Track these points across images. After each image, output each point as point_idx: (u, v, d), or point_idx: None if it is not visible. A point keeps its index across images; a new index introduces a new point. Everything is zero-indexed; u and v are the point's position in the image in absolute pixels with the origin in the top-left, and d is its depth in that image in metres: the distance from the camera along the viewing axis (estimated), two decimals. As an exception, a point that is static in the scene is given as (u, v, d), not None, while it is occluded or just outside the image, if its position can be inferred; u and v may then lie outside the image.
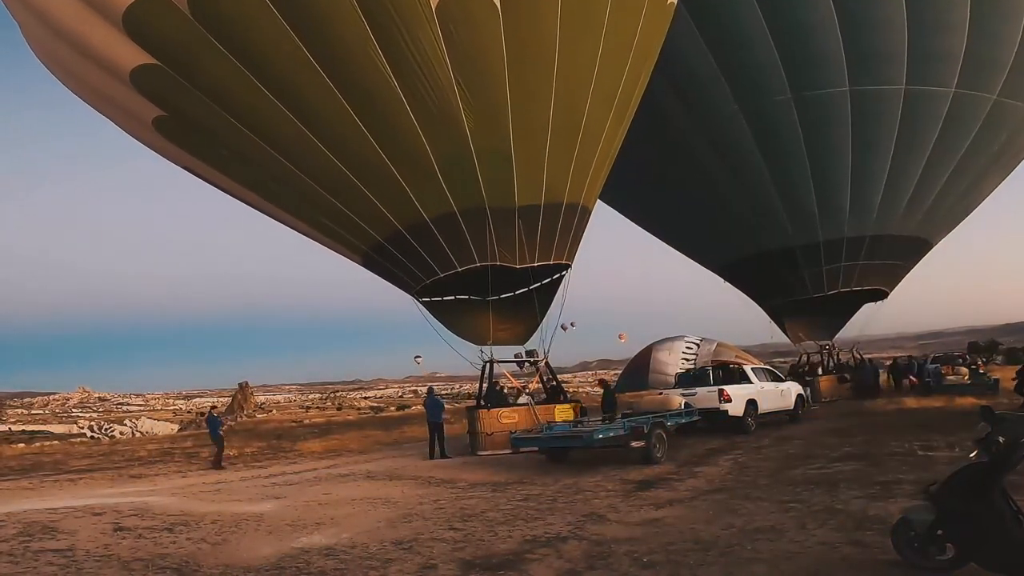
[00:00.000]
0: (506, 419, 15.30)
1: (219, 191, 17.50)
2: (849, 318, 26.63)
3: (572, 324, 17.12)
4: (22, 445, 33.50)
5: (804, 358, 27.33)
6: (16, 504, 10.63)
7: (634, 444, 12.03)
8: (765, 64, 20.51)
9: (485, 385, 16.52)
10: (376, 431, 25.64)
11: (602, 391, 18.03)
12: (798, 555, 5.75)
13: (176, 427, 54.23)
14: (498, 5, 13.11)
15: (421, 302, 17.01)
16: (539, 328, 17.11)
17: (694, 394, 16.00)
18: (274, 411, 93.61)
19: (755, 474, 10.22)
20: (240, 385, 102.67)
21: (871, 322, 26.70)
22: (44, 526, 8.48)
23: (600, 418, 14.85)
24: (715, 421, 15.69)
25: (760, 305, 27.27)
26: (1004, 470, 4.73)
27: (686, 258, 28.92)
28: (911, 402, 20.24)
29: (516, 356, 17.20)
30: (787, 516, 7.20)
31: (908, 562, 5.13)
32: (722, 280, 27.87)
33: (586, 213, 16.65)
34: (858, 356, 27.58)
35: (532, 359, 17.12)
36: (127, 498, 10.93)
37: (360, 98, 13.53)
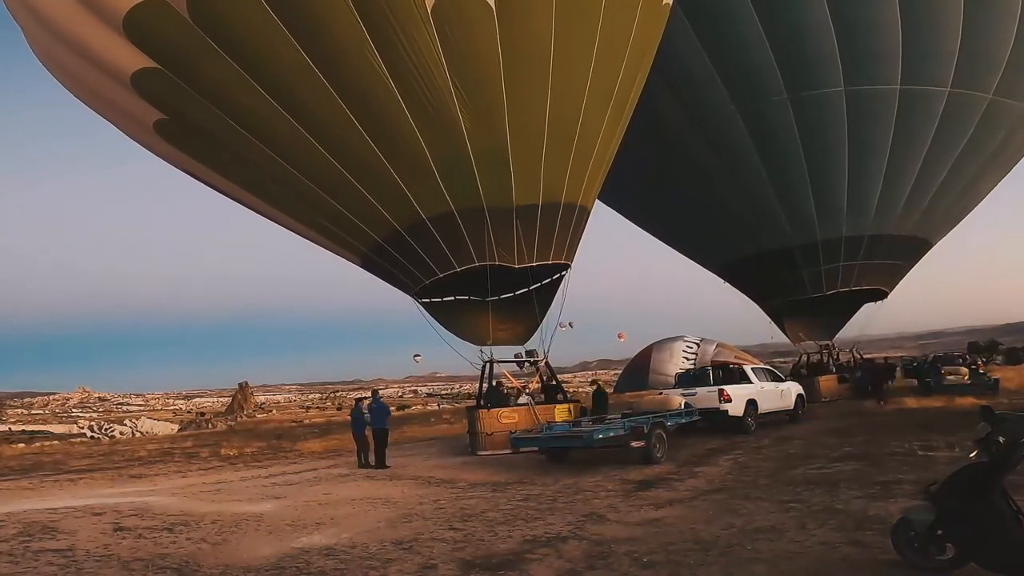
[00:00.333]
0: (506, 419, 15.30)
1: (219, 193, 17.55)
2: (849, 318, 26.65)
3: (570, 324, 17.07)
4: (22, 445, 33.51)
5: (804, 358, 27.33)
6: (16, 504, 10.63)
7: (634, 444, 12.02)
8: (761, 65, 20.55)
9: (485, 385, 16.52)
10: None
11: (592, 391, 17.95)
12: (798, 555, 5.75)
13: (176, 427, 54.21)
14: (492, 6, 13.16)
15: (421, 303, 17.02)
16: (539, 328, 17.14)
17: (694, 394, 15.99)
18: (274, 411, 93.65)
19: (755, 474, 10.21)
20: (240, 385, 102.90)
21: (871, 322, 26.74)
22: (44, 526, 8.48)
23: (590, 418, 14.79)
24: (715, 421, 15.68)
25: (760, 305, 27.29)
26: (1004, 470, 4.73)
27: (686, 258, 28.96)
28: (911, 402, 20.23)
29: (516, 356, 17.20)
30: (787, 516, 7.20)
31: (908, 562, 5.13)
32: (722, 280, 27.90)
33: (584, 213, 16.67)
34: (858, 356, 27.57)
35: (532, 359, 17.12)
36: (127, 498, 10.93)
37: (357, 99, 13.59)
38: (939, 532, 4.97)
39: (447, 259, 15.55)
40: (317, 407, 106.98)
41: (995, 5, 20.36)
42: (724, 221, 24.45)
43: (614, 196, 26.01)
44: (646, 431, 12.11)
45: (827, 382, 24.93)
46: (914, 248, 24.80)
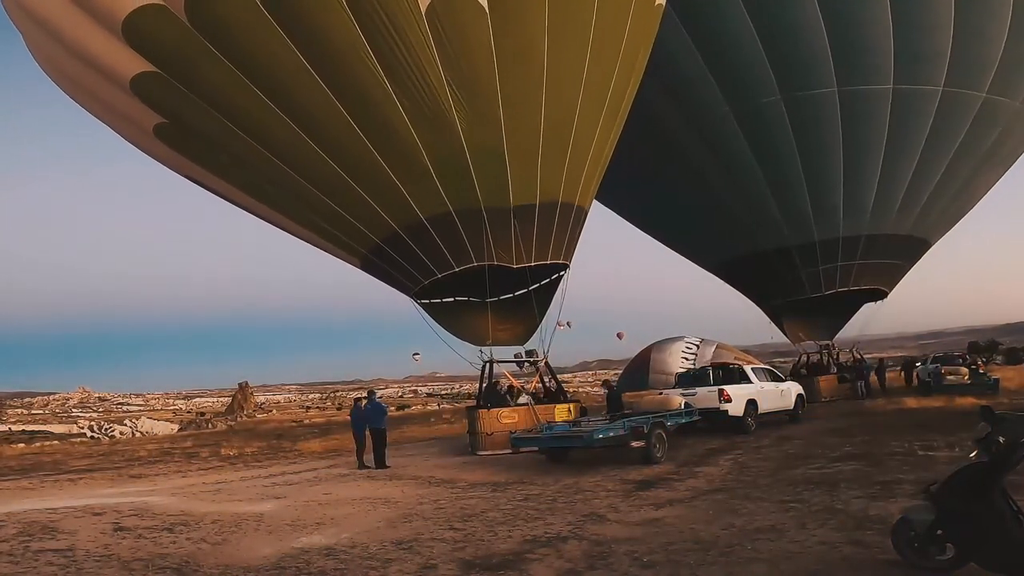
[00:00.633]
0: (506, 419, 15.31)
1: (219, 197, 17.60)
2: (849, 318, 26.64)
3: (568, 324, 17.08)
4: (22, 445, 33.51)
5: (804, 358, 27.33)
6: (16, 504, 10.63)
7: (634, 444, 12.02)
8: (754, 66, 20.58)
9: (485, 385, 16.53)
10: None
11: (606, 392, 18.04)
12: (798, 555, 5.76)
13: (176, 427, 54.20)
14: (485, 7, 13.23)
15: (420, 303, 17.03)
16: (538, 328, 17.15)
17: (694, 394, 15.99)
18: (274, 411, 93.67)
19: (755, 474, 10.21)
20: (240, 385, 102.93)
21: (871, 322, 26.74)
22: (44, 526, 8.48)
23: (605, 417, 14.87)
24: (715, 421, 15.68)
25: (759, 306, 27.29)
26: (1004, 470, 4.73)
27: (685, 258, 28.97)
28: (911, 402, 20.23)
29: (516, 356, 17.20)
30: (787, 516, 7.20)
31: (908, 562, 5.13)
32: (721, 280, 27.92)
33: (582, 213, 16.69)
34: (858, 356, 27.57)
35: (532, 359, 17.12)
36: (127, 498, 10.93)
37: (354, 101, 13.66)
38: (939, 532, 4.97)
39: (446, 259, 15.57)
40: (317, 407, 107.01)
41: (986, 4, 20.36)
42: (721, 221, 24.47)
43: (612, 196, 26.03)
44: (646, 431, 12.11)
45: (827, 382, 24.93)
46: (913, 248, 24.80)
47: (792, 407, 17.90)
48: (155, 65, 13.54)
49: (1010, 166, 25.03)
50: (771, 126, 21.51)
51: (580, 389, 77.35)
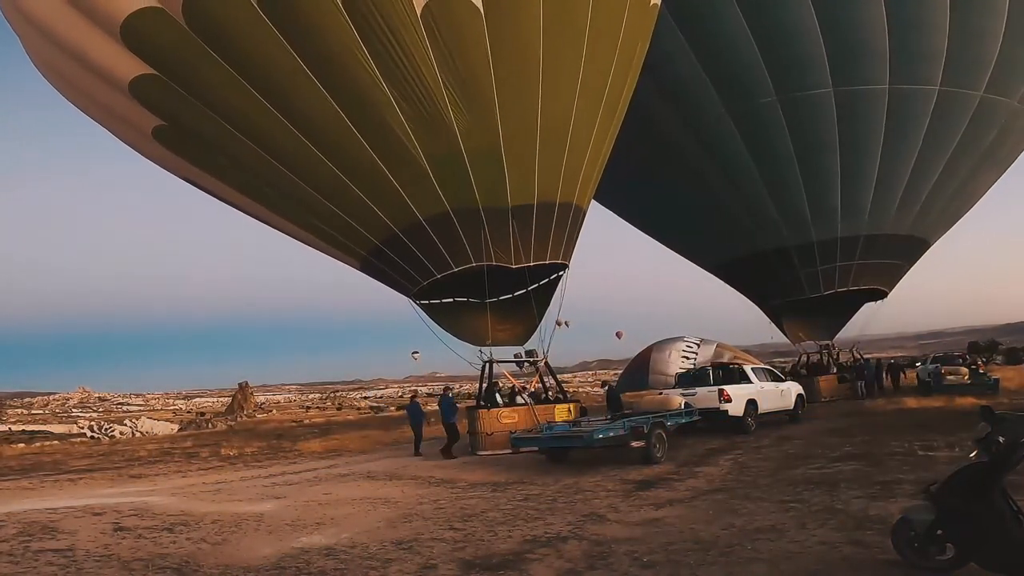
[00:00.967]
0: (506, 419, 15.31)
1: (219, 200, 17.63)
2: (849, 318, 26.65)
3: (566, 323, 17.10)
4: (22, 445, 33.49)
5: (804, 358, 27.32)
6: (16, 504, 10.63)
7: (634, 444, 12.02)
8: (750, 66, 20.60)
9: (485, 385, 16.53)
10: (376, 431, 25.63)
11: (606, 391, 18.07)
12: (798, 555, 5.76)
13: (176, 427, 54.18)
14: (480, 7, 13.28)
15: (419, 304, 17.03)
16: (538, 329, 17.17)
17: (694, 394, 15.99)
18: (274, 411, 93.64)
19: (755, 474, 10.21)
20: (240, 385, 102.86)
21: (871, 322, 26.74)
22: (44, 526, 8.48)
23: (606, 416, 14.89)
24: (715, 421, 15.68)
25: (759, 306, 27.30)
26: (1004, 470, 4.73)
27: (685, 258, 28.98)
28: (911, 402, 20.24)
29: (516, 356, 17.21)
30: (787, 516, 7.20)
31: (908, 562, 5.13)
32: (721, 280, 27.92)
33: (580, 213, 16.70)
34: (858, 356, 27.57)
35: (532, 359, 17.12)
36: (127, 498, 10.93)
37: (351, 102, 13.71)
38: (939, 532, 4.97)
39: (444, 260, 15.59)
40: (317, 407, 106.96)
41: (983, 2, 20.34)
42: (719, 222, 24.49)
43: (612, 196, 26.04)
44: (646, 431, 12.11)
45: (827, 382, 24.93)
46: (912, 248, 24.80)
47: (792, 407, 17.90)
48: (153, 67, 13.60)
49: (1009, 165, 25.04)
50: (768, 127, 21.52)
51: (580, 389, 77.31)
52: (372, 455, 16.79)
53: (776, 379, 18.42)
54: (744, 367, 17.72)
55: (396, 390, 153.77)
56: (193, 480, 13.43)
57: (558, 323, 17.05)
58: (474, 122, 14.34)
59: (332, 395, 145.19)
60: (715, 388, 15.98)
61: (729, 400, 15.60)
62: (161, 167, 17.04)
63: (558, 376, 18.09)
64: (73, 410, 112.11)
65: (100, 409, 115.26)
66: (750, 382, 16.76)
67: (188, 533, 7.92)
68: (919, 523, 5.07)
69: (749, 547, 6.08)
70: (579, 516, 7.91)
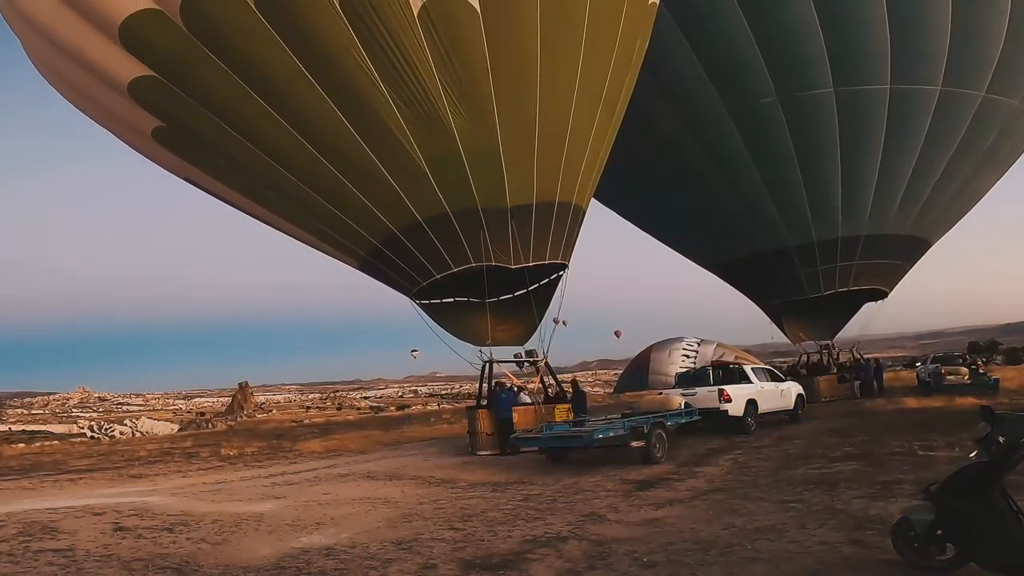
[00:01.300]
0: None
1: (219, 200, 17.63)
2: (849, 318, 26.62)
3: (564, 322, 17.11)
4: (22, 445, 33.49)
5: (804, 358, 27.32)
6: (16, 504, 10.63)
7: (634, 444, 12.02)
8: (750, 66, 20.57)
9: (485, 385, 16.52)
10: (376, 431, 25.65)
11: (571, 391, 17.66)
12: (798, 555, 5.76)
13: (176, 427, 54.19)
14: (477, 8, 13.29)
15: (420, 304, 17.03)
16: (538, 329, 17.16)
17: (694, 394, 15.99)
18: (274, 411, 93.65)
19: (755, 474, 10.21)
20: (240, 385, 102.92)
21: (871, 322, 26.73)
22: (44, 526, 8.48)
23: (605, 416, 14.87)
24: (715, 421, 15.68)
25: (759, 306, 27.29)
26: (1004, 470, 4.73)
27: (685, 258, 28.97)
28: (911, 402, 20.23)
29: (516, 356, 17.20)
30: (787, 516, 7.20)
31: (908, 562, 5.13)
32: (721, 280, 27.92)
33: (579, 212, 16.70)
34: (858, 356, 27.56)
35: (532, 359, 17.12)
36: (127, 498, 10.93)
37: (349, 103, 13.72)
38: (939, 532, 4.97)
39: (443, 260, 15.58)
40: (317, 407, 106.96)
41: (985, 2, 20.32)
42: (720, 222, 24.47)
43: (612, 196, 26.04)
44: (646, 431, 12.11)
45: (827, 382, 24.92)
46: (912, 248, 24.79)
47: (792, 407, 17.89)
48: (152, 69, 13.64)
49: (1010, 165, 25.02)
50: (768, 126, 21.50)
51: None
52: (372, 455, 16.79)
53: (776, 379, 18.42)
54: (744, 367, 17.71)
55: (396, 390, 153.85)
56: (193, 480, 13.44)
57: (555, 320, 17.06)
58: (472, 123, 14.34)
59: (332, 395, 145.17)
60: (715, 388, 15.97)
61: (729, 400, 15.59)
62: (161, 167, 17.06)
63: (558, 376, 18.08)
64: (73, 410, 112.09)
65: (100, 409, 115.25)
66: (750, 382, 16.75)
67: (188, 533, 7.93)
68: (919, 523, 5.07)
69: (749, 547, 6.08)
70: (579, 516, 7.91)
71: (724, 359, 24.66)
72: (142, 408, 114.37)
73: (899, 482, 8.58)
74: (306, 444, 20.80)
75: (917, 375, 27.43)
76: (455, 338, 16.92)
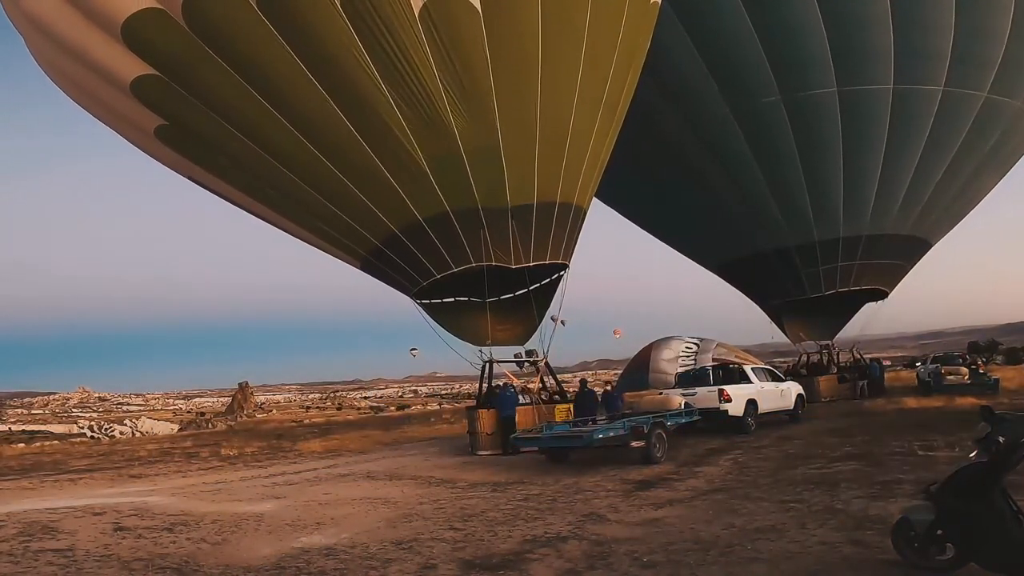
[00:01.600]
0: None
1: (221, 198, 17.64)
2: (849, 318, 26.62)
3: (562, 322, 17.12)
4: (22, 445, 33.50)
5: (804, 358, 27.31)
6: (16, 504, 10.63)
7: (634, 444, 12.02)
8: (753, 66, 20.56)
9: (486, 387, 16.52)
10: (376, 431, 25.65)
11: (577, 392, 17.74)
12: (798, 555, 5.76)
13: (176, 427, 54.22)
14: (478, 7, 13.29)
15: (420, 304, 17.03)
16: (538, 329, 17.16)
17: (694, 394, 15.99)
18: (274, 411, 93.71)
19: (755, 474, 10.22)
20: (240, 385, 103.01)
21: (871, 322, 26.73)
22: (44, 526, 8.48)
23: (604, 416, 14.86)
24: (715, 421, 15.68)
25: (759, 305, 27.29)
26: (1004, 470, 4.73)
27: (686, 258, 28.97)
28: (911, 402, 20.23)
29: (516, 356, 17.20)
30: (787, 516, 7.20)
31: (908, 562, 5.13)
32: (722, 280, 27.91)
33: (580, 212, 16.69)
34: (858, 356, 27.55)
35: (532, 359, 17.12)
36: (127, 498, 10.93)
37: (350, 103, 13.74)
38: (939, 532, 4.97)
39: (444, 260, 15.58)
40: (317, 407, 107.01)
41: (988, 2, 20.32)
42: (721, 221, 24.47)
43: (613, 195, 26.03)
44: (646, 431, 12.11)
45: (827, 382, 24.93)
46: (913, 248, 24.79)
47: (792, 407, 17.90)
48: (154, 68, 13.68)
49: (1011, 166, 25.02)
50: (771, 126, 21.50)
51: (580, 389, 77.14)
52: (372, 455, 16.79)
53: (776, 379, 18.42)
54: (744, 367, 17.71)
55: (396, 390, 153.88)
56: (193, 480, 13.43)
57: (552, 318, 17.06)
58: (473, 122, 14.35)
59: (332, 395, 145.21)
60: (715, 388, 15.98)
61: (729, 400, 15.60)
62: (164, 165, 17.07)
63: (558, 376, 18.08)
64: (73, 410, 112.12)
65: (100, 409, 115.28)
66: (750, 382, 16.76)
67: (188, 533, 7.92)
68: (919, 523, 5.08)
69: (749, 547, 6.08)
70: (579, 516, 7.91)
71: (724, 358, 24.58)
72: (142, 408, 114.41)
73: (899, 482, 8.58)
74: (306, 444, 20.79)
75: (917, 375, 27.41)
76: (455, 338, 16.93)
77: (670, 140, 22.75)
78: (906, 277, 25.72)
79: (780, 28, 20.22)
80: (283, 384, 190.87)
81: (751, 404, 16.01)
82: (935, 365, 24.56)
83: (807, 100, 20.98)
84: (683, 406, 14.94)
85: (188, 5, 12.71)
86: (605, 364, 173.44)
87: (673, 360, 27.58)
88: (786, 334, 26.88)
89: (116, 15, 13.00)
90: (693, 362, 26.66)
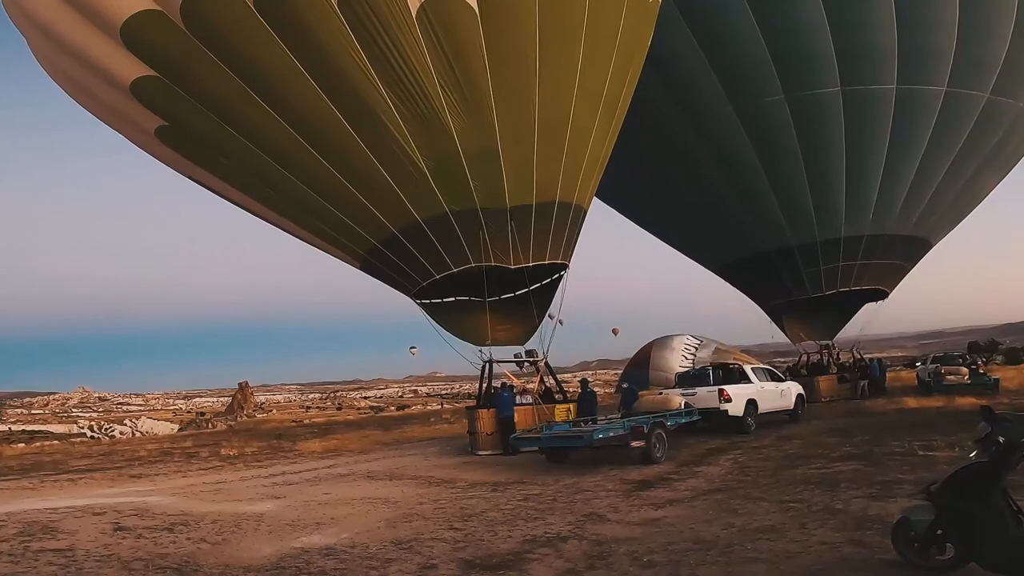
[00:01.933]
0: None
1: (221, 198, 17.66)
2: (850, 318, 26.63)
3: (560, 321, 17.12)
4: (22, 445, 33.52)
5: (804, 358, 27.31)
6: (16, 504, 10.62)
7: (634, 444, 12.02)
8: (757, 65, 20.58)
9: (486, 387, 16.51)
10: (376, 431, 25.65)
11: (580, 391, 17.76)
12: (798, 555, 5.76)
13: (176, 427, 54.22)
14: (475, 8, 13.30)
15: (420, 304, 17.03)
16: (538, 329, 17.15)
17: (694, 394, 15.98)
18: (274, 411, 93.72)
19: (755, 474, 10.21)
20: (240, 385, 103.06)
21: (871, 322, 26.73)
22: (44, 526, 8.48)
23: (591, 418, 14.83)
24: (715, 421, 15.68)
25: (760, 305, 27.28)
26: (1004, 470, 4.73)
27: (686, 258, 28.97)
28: (911, 402, 20.23)
29: (516, 356, 17.19)
30: (787, 516, 7.20)
31: (908, 562, 5.13)
32: (722, 280, 27.91)
33: (580, 212, 16.68)
34: (858, 356, 27.54)
35: (532, 359, 17.11)
36: (127, 498, 10.93)
37: (348, 104, 13.76)
38: (939, 532, 4.97)
39: (443, 261, 15.58)
40: (317, 407, 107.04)
41: (991, 3, 20.33)
42: (723, 221, 24.46)
43: (614, 195, 26.03)
44: (646, 431, 12.11)
45: (827, 382, 24.92)
46: (914, 248, 24.79)
47: (792, 407, 17.89)
48: (154, 69, 13.74)
49: (1012, 167, 25.06)
50: (774, 126, 21.50)
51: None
52: (372, 455, 16.79)
53: (776, 379, 18.41)
54: (744, 367, 17.71)
55: (396, 390, 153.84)
56: (193, 480, 13.43)
57: (550, 316, 17.05)
58: (471, 123, 14.34)
59: (332, 395, 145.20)
60: (715, 388, 15.97)
61: (729, 400, 15.59)
62: (166, 165, 17.11)
63: (558, 376, 18.08)
64: (73, 410, 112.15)
65: (100, 409, 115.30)
66: (750, 382, 16.75)
67: (188, 533, 7.92)
68: (919, 523, 5.08)
69: (749, 547, 6.08)
70: (579, 516, 7.90)
71: (723, 360, 24.60)
72: (142, 408, 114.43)
73: (899, 482, 8.58)
74: (306, 444, 20.80)
75: (917, 375, 27.40)
76: (456, 338, 16.92)
77: (672, 139, 22.75)
78: (906, 277, 25.74)
79: (784, 27, 20.23)
80: (283, 384, 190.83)
81: (751, 404, 16.01)
82: (935, 365, 24.55)
83: (810, 99, 20.98)
84: (683, 406, 14.93)
85: (186, 6, 12.75)
86: (605, 364, 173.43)
87: (675, 350, 27.58)
88: (786, 334, 26.88)
89: (115, 16, 13.05)
90: (693, 361, 26.63)
